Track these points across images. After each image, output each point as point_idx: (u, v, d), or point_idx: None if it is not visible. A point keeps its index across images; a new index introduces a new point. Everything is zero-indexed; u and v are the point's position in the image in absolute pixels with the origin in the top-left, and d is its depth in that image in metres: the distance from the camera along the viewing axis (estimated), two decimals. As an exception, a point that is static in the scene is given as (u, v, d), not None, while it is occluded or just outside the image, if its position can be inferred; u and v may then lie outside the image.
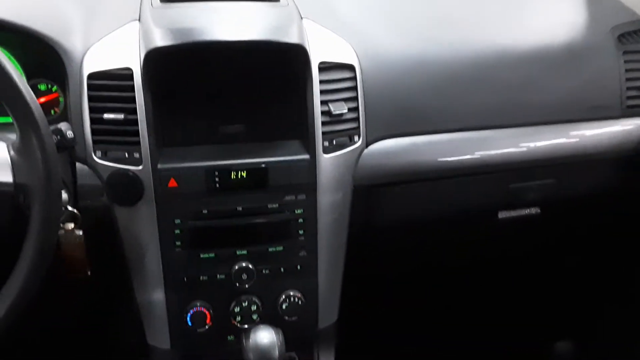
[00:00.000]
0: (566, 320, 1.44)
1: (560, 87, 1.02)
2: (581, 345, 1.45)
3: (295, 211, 0.90)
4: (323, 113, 0.88)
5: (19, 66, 0.89)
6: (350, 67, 0.91)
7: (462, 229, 1.09)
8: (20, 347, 1.15)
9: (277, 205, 0.89)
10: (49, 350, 1.22)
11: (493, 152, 1.00)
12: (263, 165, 0.87)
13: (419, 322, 1.41)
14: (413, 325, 1.40)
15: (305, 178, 0.89)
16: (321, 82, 0.88)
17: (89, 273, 0.85)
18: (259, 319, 0.91)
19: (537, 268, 1.36)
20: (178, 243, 0.88)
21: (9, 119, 0.72)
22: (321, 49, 0.89)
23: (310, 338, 0.97)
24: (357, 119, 0.91)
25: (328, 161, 0.89)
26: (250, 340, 0.80)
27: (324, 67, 0.88)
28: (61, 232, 0.80)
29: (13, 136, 0.70)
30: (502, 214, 1.06)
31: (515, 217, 1.07)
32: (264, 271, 0.91)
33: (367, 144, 0.93)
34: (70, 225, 0.81)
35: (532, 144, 1.02)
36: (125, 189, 0.84)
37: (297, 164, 0.88)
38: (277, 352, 0.78)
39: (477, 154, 0.99)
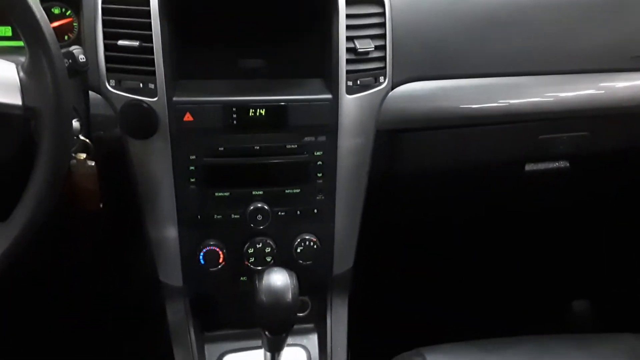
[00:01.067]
0: (586, 279, 1.41)
1: (600, 35, 0.96)
2: (598, 305, 1.43)
3: (315, 153, 0.87)
4: (348, 50, 0.83)
5: None
6: (379, 2, 0.86)
7: (486, 180, 1.05)
8: (32, 281, 1.16)
9: (296, 146, 0.86)
10: (60, 286, 1.23)
11: (524, 100, 0.95)
12: (283, 104, 0.83)
13: (435, 275, 1.39)
14: (428, 277, 1.38)
15: (326, 119, 0.85)
16: (347, 16, 0.83)
17: (101, 206, 0.83)
18: (272, 261, 0.89)
19: (561, 224, 1.33)
20: (192, 180, 0.85)
21: (21, 43, 0.69)
22: (349, -20, 0.84)
23: (324, 284, 0.96)
24: (383, 58, 0.86)
25: (351, 102, 0.85)
26: (264, 281, 0.78)
27: (351, 0, 0.83)
28: (73, 161, 0.78)
29: (24, 59, 0.67)
30: (529, 167, 1.02)
31: (543, 171, 1.03)
32: (279, 213, 0.88)
33: (393, 86, 0.88)
34: (82, 155, 0.79)
35: (566, 93, 0.97)
36: (139, 121, 0.81)
37: (318, 103, 0.85)
38: (290, 295, 0.76)
39: (508, 102, 0.94)
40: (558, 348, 0.99)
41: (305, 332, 0.94)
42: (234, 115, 0.82)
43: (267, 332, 0.74)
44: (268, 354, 0.81)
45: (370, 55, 0.85)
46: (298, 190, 0.88)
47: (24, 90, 0.65)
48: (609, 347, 0.98)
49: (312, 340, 0.94)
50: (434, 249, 1.36)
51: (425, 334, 1.02)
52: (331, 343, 0.91)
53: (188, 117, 0.82)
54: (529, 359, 0.96)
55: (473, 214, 1.22)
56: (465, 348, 0.98)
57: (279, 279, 0.77)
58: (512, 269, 1.41)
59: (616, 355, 0.95)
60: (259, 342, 0.83)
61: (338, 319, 0.93)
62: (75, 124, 0.76)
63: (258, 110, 0.82)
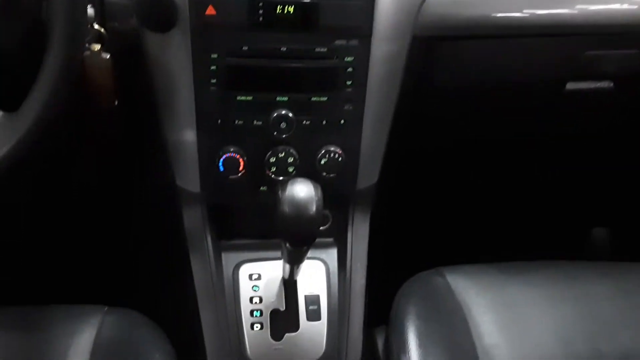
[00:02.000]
0: (607, 207, 1.37)
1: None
2: (618, 233, 1.40)
3: (345, 58, 0.81)
4: None
5: None
6: None
7: (523, 99, 0.99)
8: (44, 183, 1.13)
9: (325, 49, 0.79)
10: (74, 188, 1.20)
11: (575, 10, 0.87)
12: (314, 1, 0.76)
13: (459, 197, 1.35)
14: (452, 199, 1.35)
15: (360, 20, 0.78)
16: None
17: (116, 103, 0.78)
18: (295, 172, 0.85)
19: (590, 149, 1.27)
20: (213, 81, 0.79)
21: None
22: None
23: (347, 198, 0.92)
24: None
25: (388, 3, 0.78)
26: (287, 192, 0.73)
27: None
28: (87, 52, 0.72)
29: None
30: (570, 85, 0.96)
31: (584, 90, 0.96)
32: (304, 122, 0.83)
33: None
34: (97, 46, 0.73)
35: (619, 5, 0.89)
36: (157, 11, 0.74)
37: (352, 3, 0.77)
38: (314, 207, 0.72)
39: (557, 11, 0.86)
40: (580, 274, 0.96)
41: (324, 246, 0.91)
42: (261, 12, 0.76)
43: (287, 244, 0.71)
44: (287, 265, 0.78)
45: None
46: (325, 99, 0.82)
47: None
48: (633, 275, 0.96)
49: (332, 254, 0.91)
50: (459, 170, 1.32)
51: (446, 255, 1.00)
52: (351, 258, 0.88)
53: (210, 10, 0.75)
54: (550, 283, 0.94)
55: (505, 134, 1.17)
56: (485, 270, 0.95)
57: (302, 190, 0.73)
58: (536, 193, 1.37)
59: None
60: (278, 254, 0.80)
61: (359, 235, 0.90)
62: (90, 10, 0.70)
63: (287, 6, 0.75)
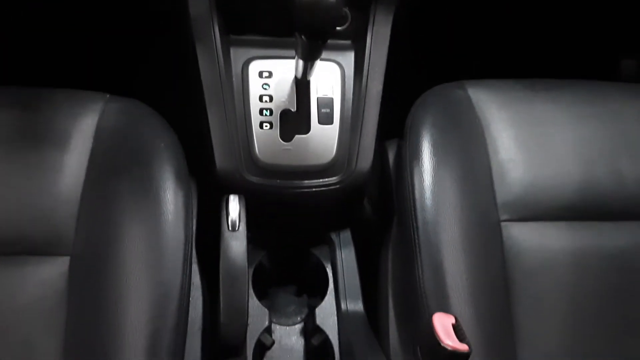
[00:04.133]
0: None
1: None
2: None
3: None
4: None
5: None
6: None
7: None
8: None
9: None
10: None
11: None
12: None
13: (485, 11, 1.25)
14: (478, 13, 1.25)
15: None
16: None
17: None
18: None
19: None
20: None
21: None
22: None
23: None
24: None
25: None
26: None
27: None
28: None
29: None
30: None
31: None
32: None
33: None
34: None
35: None
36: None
37: None
38: None
39: None
40: (608, 94, 0.90)
41: (341, 48, 0.84)
42: None
43: (303, 37, 0.64)
44: (300, 62, 0.72)
45: None
46: None
47: None
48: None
49: (349, 57, 0.84)
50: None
51: (470, 71, 0.94)
52: (369, 62, 0.82)
53: None
54: (576, 101, 0.88)
55: None
56: (509, 85, 0.90)
57: None
58: (567, 17, 1.27)
59: None
60: (291, 52, 0.74)
61: (379, 38, 0.83)
62: None
63: None
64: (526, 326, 0.74)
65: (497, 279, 0.75)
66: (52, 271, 0.68)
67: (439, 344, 0.61)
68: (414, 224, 0.76)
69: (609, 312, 0.76)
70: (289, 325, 0.90)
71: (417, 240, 0.75)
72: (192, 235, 0.73)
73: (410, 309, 0.76)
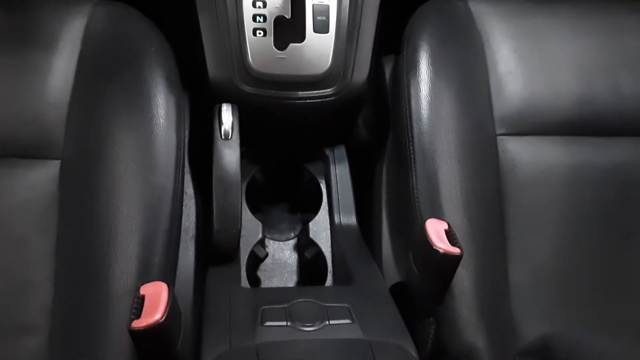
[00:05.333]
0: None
1: None
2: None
3: None
4: None
5: None
6: None
7: None
8: None
9: None
10: None
11: None
12: None
13: None
14: None
15: None
16: None
17: None
18: None
19: None
20: None
21: None
22: None
23: None
24: None
25: None
26: None
27: None
28: None
29: None
30: None
31: None
32: None
33: None
34: None
35: None
36: None
37: None
38: None
39: None
40: (611, 7, 0.88)
41: None
42: None
43: None
44: None
45: None
46: None
47: None
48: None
49: None
50: None
51: None
52: None
53: None
54: (578, 14, 0.86)
55: None
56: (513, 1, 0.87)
57: None
58: None
59: None
60: None
61: None
62: None
63: None
64: (518, 237, 0.75)
65: (491, 191, 0.75)
66: (43, 174, 0.67)
67: (432, 247, 0.61)
68: (410, 134, 0.75)
69: (601, 225, 0.77)
70: (282, 240, 0.91)
71: (412, 150, 0.74)
72: (184, 140, 0.72)
73: (403, 218, 0.76)
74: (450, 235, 0.63)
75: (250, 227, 0.84)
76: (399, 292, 0.74)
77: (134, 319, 0.53)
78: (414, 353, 0.59)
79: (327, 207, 0.87)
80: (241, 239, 0.81)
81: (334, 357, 0.55)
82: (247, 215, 0.84)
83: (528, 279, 0.73)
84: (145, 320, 0.52)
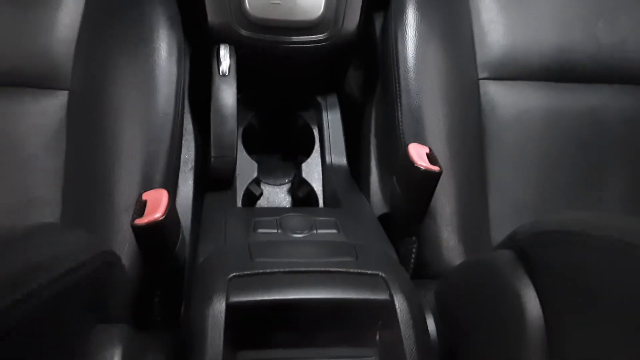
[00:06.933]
0: None
1: None
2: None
3: None
4: None
5: None
6: None
7: None
8: None
9: None
10: None
11: None
12: None
13: None
14: None
15: None
16: None
17: None
18: None
19: None
20: None
21: None
22: None
23: None
24: None
25: None
26: None
27: None
28: None
29: None
30: None
31: None
32: None
33: None
34: None
35: None
36: None
37: None
38: None
39: None
40: None
41: None
42: None
43: None
44: None
45: None
46: None
47: None
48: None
49: None
50: None
51: None
52: None
53: None
54: None
55: None
56: None
57: None
58: None
59: None
60: None
61: None
62: None
63: None
64: (497, 171, 0.79)
65: (473, 128, 0.80)
66: (51, 103, 0.72)
67: (413, 165, 0.66)
68: (396, 72, 0.80)
69: (576, 162, 0.81)
70: (276, 185, 0.95)
71: (397, 86, 0.79)
72: (184, 73, 0.76)
73: (389, 151, 0.81)
74: (431, 157, 0.68)
75: (246, 166, 0.88)
76: (384, 224, 0.79)
77: (136, 218, 0.57)
78: (394, 256, 0.63)
79: (319, 151, 0.92)
80: (237, 177, 0.86)
81: (319, 252, 0.60)
82: (242, 155, 0.89)
83: (507, 210, 0.78)
84: (147, 218, 0.57)
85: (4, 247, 0.42)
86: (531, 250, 0.49)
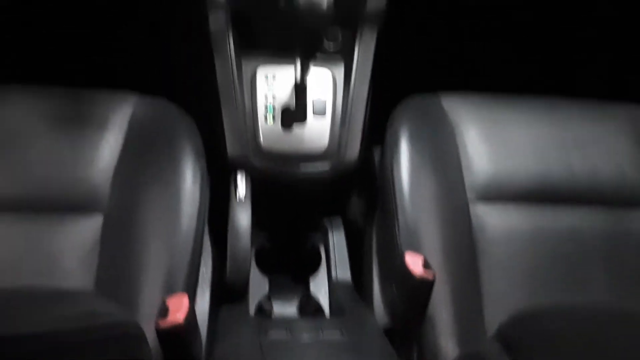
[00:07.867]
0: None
1: None
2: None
3: None
4: None
5: None
6: None
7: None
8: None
9: None
10: None
11: None
12: None
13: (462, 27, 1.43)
14: (455, 29, 1.42)
15: None
16: None
17: None
18: None
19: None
20: None
21: None
22: None
23: (356, 16, 1.00)
24: None
25: None
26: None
27: None
28: None
29: None
30: None
31: None
32: None
33: None
34: None
35: None
36: None
37: None
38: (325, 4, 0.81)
39: None
40: (563, 105, 1.06)
41: (333, 60, 1.01)
42: None
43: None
44: (299, 65, 0.89)
45: None
46: None
47: None
48: (613, 116, 1.05)
49: (339, 67, 1.01)
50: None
51: (444, 81, 1.10)
52: (356, 70, 0.99)
53: None
54: (534, 108, 1.03)
55: None
56: (480, 98, 1.05)
57: None
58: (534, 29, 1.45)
59: (619, 125, 1.02)
60: (292, 62, 0.91)
61: (365, 52, 1.00)
62: None
63: None
64: (490, 282, 0.86)
65: (465, 243, 0.88)
66: (88, 225, 0.81)
67: (410, 274, 0.73)
68: (393, 197, 0.90)
69: (562, 274, 0.88)
70: (286, 301, 1.02)
71: (395, 208, 0.88)
72: (205, 197, 0.86)
73: (388, 265, 0.88)
74: (426, 265, 0.75)
75: (259, 282, 0.96)
76: (388, 336, 0.84)
77: (160, 319, 0.64)
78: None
79: (326, 268, 1.00)
80: (250, 292, 0.93)
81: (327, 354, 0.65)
82: (255, 272, 0.97)
83: (500, 316, 0.83)
84: (170, 318, 0.64)
85: None
86: (512, 333, 0.56)
